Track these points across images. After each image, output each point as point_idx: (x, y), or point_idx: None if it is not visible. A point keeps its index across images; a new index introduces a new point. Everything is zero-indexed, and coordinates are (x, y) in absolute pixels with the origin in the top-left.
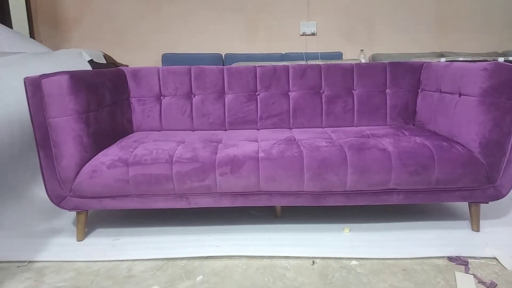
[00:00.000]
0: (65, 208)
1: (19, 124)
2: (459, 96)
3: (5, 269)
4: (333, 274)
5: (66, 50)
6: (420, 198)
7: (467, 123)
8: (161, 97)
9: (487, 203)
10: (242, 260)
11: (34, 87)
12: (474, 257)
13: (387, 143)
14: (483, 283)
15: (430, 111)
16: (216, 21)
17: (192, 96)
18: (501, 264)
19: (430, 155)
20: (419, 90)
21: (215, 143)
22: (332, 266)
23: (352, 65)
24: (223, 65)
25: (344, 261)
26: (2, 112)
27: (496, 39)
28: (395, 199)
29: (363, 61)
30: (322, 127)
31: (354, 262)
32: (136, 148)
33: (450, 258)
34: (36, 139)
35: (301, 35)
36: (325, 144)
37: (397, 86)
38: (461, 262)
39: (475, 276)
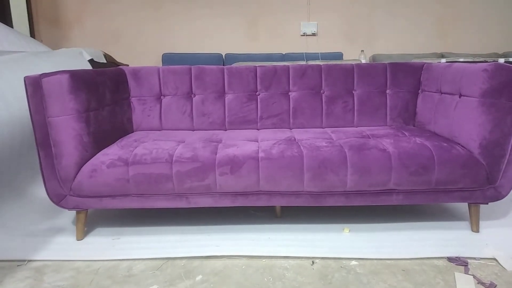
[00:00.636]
0: (65, 207)
1: (20, 123)
2: (460, 97)
3: (5, 268)
4: (332, 274)
5: (66, 50)
6: (420, 199)
7: (467, 124)
8: (161, 97)
9: (487, 204)
10: (241, 260)
11: (35, 86)
12: (474, 258)
13: (387, 143)
14: (482, 283)
15: (430, 112)
16: (217, 21)
17: (192, 96)
18: (501, 265)
19: (430, 155)
20: (420, 91)
21: (215, 143)
22: (331, 266)
23: (352, 66)
24: (223, 65)
25: (343, 261)
26: (2, 111)
27: (497, 40)
28: (395, 200)
29: (363, 61)
30: (322, 127)
31: (353, 262)
32: (136, 147)
33: (450, 259)
34: (36, 138)
35: (301, 35)
36: (325, 144)
37: (398, 87)
38: (460, 262)
39: (474, 276)
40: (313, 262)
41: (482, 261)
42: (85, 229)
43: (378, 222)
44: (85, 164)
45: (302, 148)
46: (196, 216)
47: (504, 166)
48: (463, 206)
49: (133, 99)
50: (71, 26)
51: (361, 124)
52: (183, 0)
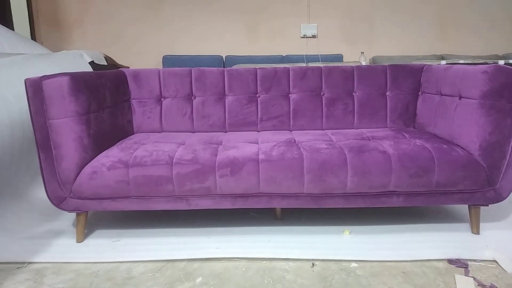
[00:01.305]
0: (65, 209)
1: (20, 125)
2: (460, 99)
3: (5, 270)
4: (332, 276)
5: (67, 52)
6: (420, 201)
7: (467, 125)
8: (162, 99)
9: (487, 205)
10: (241, 262)
11: (35, 88)
12: (474, 260)
13: (387, 145)
14: (482, 285)
15: (430, 114)
16: (217, 23)
17: (192, 98)
18: (501, 267)
19: (430, 157)
20: (420, 93)
21: (215, 145)
22: (331, 268)
23: (352, 68)
24: (223, 67)
25: (343, 263)
26: (3, 112)
27: (497, 41)
28: (395, 202)
29: (363, 63)
30: (322, 129)
31: (353, 264)
32: (136, 149)
33: (450, 261)
34: (36, 140)
35: (301, 37)
36: (325, 146)
37: (398, 89)
38: (461, 264)
39: (474, 279)
40: (313, 264)
41: (482, 263)
42: (85, 231)
43: (378, 224)
44: (85, 166)
45: (302, 150)
46: (196, 218)
47: (504, 168)
48: (463, 208)
49: (133, 101)
50: (72, 29)
51: (361, 126)
52: (184, 2)
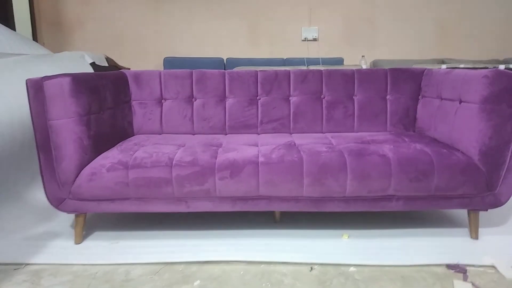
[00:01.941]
0: (64, 211)
1: (20, 126)
2: (460, 103)
3: (2, 271)
4: (331, 280)
5: (68, 53)
6: (419, 205)
7: (467, 130)
8: (162, 101)
9: (486, 210)
10: (240, 265)
11: (36, 89)
12: (473, 265)
13: (387, 149)
14: None
15: (430, 118)
16: (218, 25)
17: (193, 100)
18: (500, 273)
19: (430, 161)
20: (420, 97)
21: (215, 147)
22: (330, 273)
23: (353, 71)
24: (224, 69)
25: (342, 268)
26: (3, 113)
27: (497, 46)
28: (394, 206)
29: (364, 67)
30: (322, 132)
31: (352, 268)
32: (136, 151)
33: (449, 266)
34: (36, 141)
35: (302, 40)
36: (325, 150)
37: (398, 92)
38: (459, 270)
39: (473, 284)
40: (311, 268)
41: (481, 269)
42: (84, 233)
43: (377, 228)
44: (85, 167)
45: (302, 153)
46: (195, 221)
47: (504, 173)
48: (462, 213)
49: (134, 103)
50: (73, 30)
51: (361, 129)
52: (185, 4)
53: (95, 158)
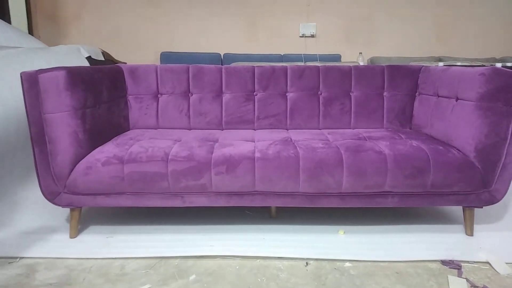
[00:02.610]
0: (59, 205)
1: (15, 119)
2: (456, 101)
3: None
4: (326, 275)
5: (64, 46)
6: (415, 201)
7: (464, 127)
8: (159, 95)
9: (482, 207)
10: (235, 260)
11: (31, 82)
12: (467, 261)
13: (383, 145)
14: (475, 287)
15: (427, 115)
16: (216, 20)
17: (189, 95)
18: (494, 269)
19: (426, 158)
20: (417, 94)
21: (211, 142)
22: (325, 268)
23: (350, 67)
24: (221, 65)
25: (337, 263)
26: None
27: (494, 44)
28: (390, 202)
29: (361, 63)
30: (319, 129)
31: (347, 264)
32: (132, 145)
33: (443, 262)
34: (31, 135)
35: (300, 36)
36: (322, 146)
37: (395, 89)
38: (454, 266)
39: (467, 280)
40: (307, 263)
41: (475, 265)
42: (79, 227)
43: (373, 224)
44: (80, 161)
45: (298, 149)
46: (190, 216)
47: (499, 170)
48: (457, 210)
49: (130, 97)
50: (69, 23)
51: (358, 126)
52: None
53: (91, 152)
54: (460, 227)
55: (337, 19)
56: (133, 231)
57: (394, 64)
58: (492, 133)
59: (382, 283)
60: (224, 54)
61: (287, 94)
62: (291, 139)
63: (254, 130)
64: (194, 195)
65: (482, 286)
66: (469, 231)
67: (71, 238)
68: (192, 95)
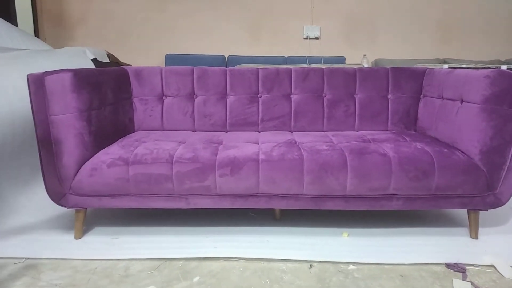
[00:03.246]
0: (64, 206)
1: (21, 121)
2: (461, 103)
3: (2, 265)
4: (330, 278)
5: (70, 48)
6: (419, 204)
7: (468, 130)
8: (163, 97)
9: (487, 210)
10: (239, 262)
11: (37, 84)
12: (472, 265)
13: (387, 148)
14: None
15: (431, 117)
16: (220, 23)
17: (194, 97)
18: (499, 272)
19: (431, 161)
20: (421, 96)
21: (215, 144)
22: (329, 270)
23: (354, 70)
24: (226, 67)
25: (341, 266)
26: (4, 108)
27: (499, 47)
28: (394, 205)
29: (365, 66)
30: (323, 131)
31: (351, 266)
32: (137, 147)
33: (448, 265)
34: (37, 136)
35: (304, 38)
36: (326, 148)
37: (399, 92)
38: (459, 269)
39: (472, 283)
40: (311, 265)
41: (480, 268)
42: (84, 228)
43: (377, 227)
44: (85, 163)
45: (302, 151)
46: (194, 217)
47: (504, 173)
48: (462, 213)
49: (135, 99)
50: (75, 26)
51: (362, 128)
52: (187, 1)
53: (96, 153)
54: (465, 230)
55: (341, 21)
56: (138, 233)
57: (398, 66)
58: (497, 136)
59: (386, 286)
60: (229, 56)
61: (291, 96)
62: (295, 141)
63: (259, 132)
64: (199, 197)
65: None
66: (474, 234)
67: (76, 239)
68: (196, 97)
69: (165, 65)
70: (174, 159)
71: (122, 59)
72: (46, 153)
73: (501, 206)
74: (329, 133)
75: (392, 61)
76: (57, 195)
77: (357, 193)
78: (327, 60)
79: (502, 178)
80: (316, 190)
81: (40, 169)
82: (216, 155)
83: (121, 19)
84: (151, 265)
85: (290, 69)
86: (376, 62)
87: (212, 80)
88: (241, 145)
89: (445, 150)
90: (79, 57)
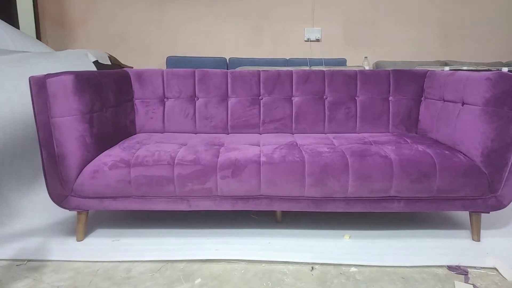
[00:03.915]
0: (66, 208)
1: (23, 123)
2: (462, 105)
3: (4, 267)
4: (331, 280)
5: (71, 51)
6: (421, 206)
7: (470, 132)
8: (165, 99)
9: (488, 212)
10: (241, 264)
11: (39, 87)
12: (474, 267)
13: (389, 150)
14: None
15: (432, 119)
16: (221, 25)
17: (195, 99)
18: (501, 275)
19: (432, 163)
20: (422, 98)
21: (217, 146)
22: (331, 273)
23: (355, 72)
24: (227, 69)
25: (343, 268)
26: (6, 110)
27: (500, 49)
28: (395, 207)
29: (366, 68)
30: (324, 133)
31: (353, 269)
32: (138, 149)
33: (450, 267)
34: (39, 138)
35: (305, 41)
36: (327, 150)
37: (400, 94)
38: (460, 271)
39: (474, 286)
40: (312, 268)
41: (482, 270)
42: (86, 230)
43: (379, 229)
44: (87, 165)
45: (303, 153)
46: (196, 220)
47: (506, 175)
48: (464, 215)
49: (136, 101)
50: (76, 28)
51: (363, 130)
52: (189, 4)
53: (98, 156)
54: (467, 232)
55: (342, 23)
56: (139, 235)
57: (399, 68)
58: (498, 138)
59: None
60: (230, 59)
61: (292, 98)
62: (296, 144)
63: (260, 134)
64: (200, 199)
65: None
66: (476, 237)
67: (78, 241)
68: (198, 99)
69: (167, 67)
70: (175, 161)
71: (123, 61)
72: (48, 155)
73: (503, 208)
74: (330, 135)
75: (393, 63)
76: (59, 197)
77: (358, 195)
78: (328, 62)
79: (504, 180)
80: (318, 192)
81: (42, 171)
82: (218, 157)
83: (122, 21)
84: (153, 267)
85: (291, 71)
86: (377, 64)
87: (214, 82)
88: (243, 147)
89: (447, 152)
90: (81, 60)
